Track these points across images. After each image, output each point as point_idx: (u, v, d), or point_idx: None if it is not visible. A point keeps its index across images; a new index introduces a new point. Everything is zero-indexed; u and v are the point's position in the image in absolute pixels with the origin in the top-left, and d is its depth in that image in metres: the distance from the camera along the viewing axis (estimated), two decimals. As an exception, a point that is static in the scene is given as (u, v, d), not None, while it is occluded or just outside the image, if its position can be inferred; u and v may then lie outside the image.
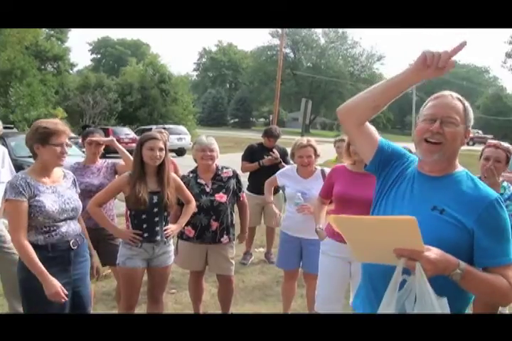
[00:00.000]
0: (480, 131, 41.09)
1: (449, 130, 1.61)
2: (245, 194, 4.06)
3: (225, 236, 3.70)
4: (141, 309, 3.71)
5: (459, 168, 1.70)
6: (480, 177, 3.05)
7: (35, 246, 2.62)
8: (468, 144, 34.14)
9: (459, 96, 1.68)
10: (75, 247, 2.72)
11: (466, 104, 1.67)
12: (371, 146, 1.78)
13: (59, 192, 2.68)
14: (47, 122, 2.67)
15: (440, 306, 1.44)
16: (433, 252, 1.44)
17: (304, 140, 3.82)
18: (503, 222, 1.57)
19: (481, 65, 75.23)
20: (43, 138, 2.60)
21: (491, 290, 1.52)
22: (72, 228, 2.72)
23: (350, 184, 3.16)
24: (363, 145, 1.81)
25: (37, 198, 2.57)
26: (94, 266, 3.06)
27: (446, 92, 1.67)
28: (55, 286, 2.51)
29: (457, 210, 1.58)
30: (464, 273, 1.46)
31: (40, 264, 2.52)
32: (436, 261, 1.43)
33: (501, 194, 3.09)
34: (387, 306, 1.49)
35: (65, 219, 2.67)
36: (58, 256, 2.65)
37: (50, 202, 2.60)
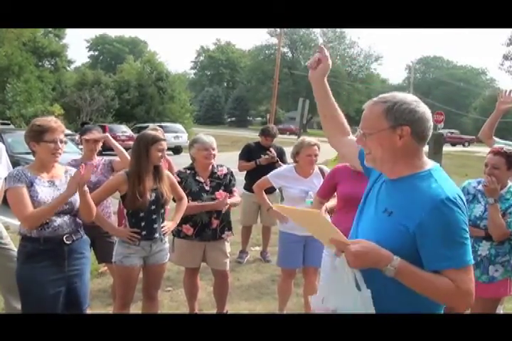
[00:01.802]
0: (456, 131, 40.70)
1: (367, 141, 1.63)
2: (242, 192, 4.07)
3: (226, 232, 3.80)
4: (136, 306, 3.71)
5: (423, 169, 1.61)
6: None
7: (28, 239, 2.64)
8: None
9: (383, 98, 1.62)
10: (69, 242, 2.71)
11: (390, 103, 1.59)
12: (355, 151, 1.88)
13: (56, 186, 2.71)
14: (41, 120, 2.72)
15: (361, 298, 1.50)
16: (360, 245, 1.48)
17: (312, 139, 3.85)
18: (448, 224, 1.48)
19: (478, 67, 75.31)
20: (37, 136, 2.65)
21: (431, 288, 1.49)
22: (67, 222, 2.71)
23: (356, 183, 3.16)
24: (349, 152, 1.94)
25: (32, 188, 2.62)
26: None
27: (370, 101, 1.66)
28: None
29: (402, 214, 1.54)
30: (397, 269, 1.46)
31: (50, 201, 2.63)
32: (360, 254, 1.46)
33: (507, 199, 3.01)
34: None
35: (58, 213, 2.66)
36: (50, 249, 2.65)
37: (44, 193, 2.64)
